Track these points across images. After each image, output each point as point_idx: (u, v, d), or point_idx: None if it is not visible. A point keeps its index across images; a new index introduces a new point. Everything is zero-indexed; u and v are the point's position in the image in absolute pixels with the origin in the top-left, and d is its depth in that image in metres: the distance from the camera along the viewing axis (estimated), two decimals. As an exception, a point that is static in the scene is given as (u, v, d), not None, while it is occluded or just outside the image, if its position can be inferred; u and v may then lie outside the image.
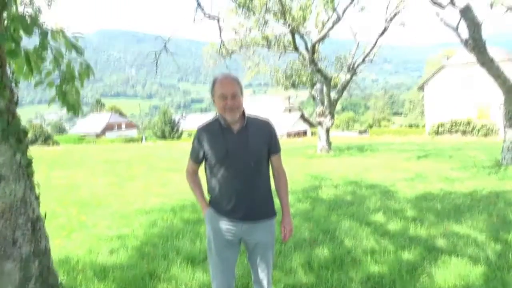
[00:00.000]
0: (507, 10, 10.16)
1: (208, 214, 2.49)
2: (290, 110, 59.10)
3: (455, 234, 4.55)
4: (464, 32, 8.97)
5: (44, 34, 2.31)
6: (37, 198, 2.54)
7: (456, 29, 9.52)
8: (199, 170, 2.62)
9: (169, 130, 59.06)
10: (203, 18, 5.45)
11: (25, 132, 2.38)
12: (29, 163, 2.45)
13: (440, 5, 8.93)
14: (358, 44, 15.84)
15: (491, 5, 9.98)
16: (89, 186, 9.10)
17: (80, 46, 2.47)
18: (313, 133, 48.22)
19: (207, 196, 2.57)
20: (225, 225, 2.41)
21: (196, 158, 2.50)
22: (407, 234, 4.62)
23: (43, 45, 2.33)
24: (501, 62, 9.64)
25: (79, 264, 4.02)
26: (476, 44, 8.72)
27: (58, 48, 2.39)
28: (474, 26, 8.50)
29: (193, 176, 2.61)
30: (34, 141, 52.05)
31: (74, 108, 2.54)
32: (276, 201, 2.53)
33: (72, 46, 2.42)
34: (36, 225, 2.47)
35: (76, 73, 2.50)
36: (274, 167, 2.56)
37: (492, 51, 9.82)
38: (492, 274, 3.48)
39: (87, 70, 2.53)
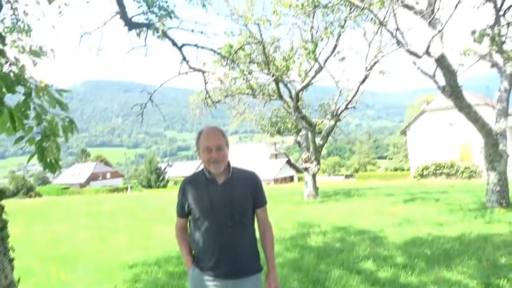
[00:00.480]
0: (479, 59, 10.67)
1: (191, 273, 2.40)
2: (276, 156, 59.51)
3: (447, 281, 4.47)
4: (441, 79, 9.33)
5: (27, 94, 2.32)
6: (10, 262, 2.41)
7: (433, 76, 9.90)
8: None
9: (155, 179, 58.47)
10: (189, 71, 5.56)
11: (2, 192, 2.30)
12: (3, 226, 2.35)
13: (416, 55, 9.33)
14: (340, 91, 16.28)
15: (464, 54, 10.49)
16: (70, 240, 8.79)
17: (65, 102, 2.47)
18: (300, 179, 48.25)
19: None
20: (209, 282, 2.32)
21: (182, 211, 2.45)
22: (398, 282, 4.52)
23: (26, 104, 2.32)
24: (478, 107, 9.99)
25: (56, 326, 3.78)
26: (453, 91, 9.04)
27: (42, 104, 2.39)
28: (450, 74, 8.84)
29: (181, 232, 2.53)
30: (15, 193, 50.75)
31: (51, 166, 2.49)
32: (262, 254, 2.46)
33: (57, 102, 2.42)
34: (8, 291, 2.33)
35: (60, 128, 2.48)
36: (259, 221, 2.50)
37: (469, 96, 10.20)
38: (486, 323, 3.38)
39: (70, 126, 2.52)
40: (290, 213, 11.16)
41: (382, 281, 4.62)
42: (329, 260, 5.69)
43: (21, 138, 2.37)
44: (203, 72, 5.54)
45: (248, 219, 2.39)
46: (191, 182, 2.40)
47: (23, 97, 2.36)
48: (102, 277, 5.51)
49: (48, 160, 2.40)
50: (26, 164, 2.84)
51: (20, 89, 2.32)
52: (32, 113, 2.44)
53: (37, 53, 2.57)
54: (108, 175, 77.73)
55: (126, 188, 50.81)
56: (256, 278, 2.40)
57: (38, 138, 2.39)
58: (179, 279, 5.06)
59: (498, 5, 9.98)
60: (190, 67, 5.33)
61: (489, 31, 8.81)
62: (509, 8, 10.09)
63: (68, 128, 2.41)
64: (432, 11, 8.64)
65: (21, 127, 2.24)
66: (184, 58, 5.27)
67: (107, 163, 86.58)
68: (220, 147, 2.32)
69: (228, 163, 2.39)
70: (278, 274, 2.56)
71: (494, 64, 10.51)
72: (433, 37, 8.62)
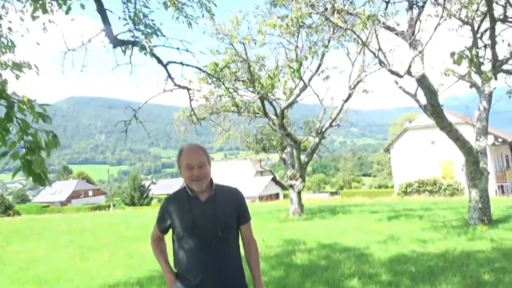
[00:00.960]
0: (459, 79, 10.96)
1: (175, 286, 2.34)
2: (261, 173, 59.46)
3: (431, 299, 4.47)
4: (423, 98, 9.54)
5: (10, 107, 2.28)
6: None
7: (414, 95, 10.12)
8: (166, 238, 2.53)
9: (139, 196, 57.65)
10: (174, 88, 5.55)
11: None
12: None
13: (398, 75, 9.53)
14: (324, 109, 16.47)
15: (445, 74, 10.76)
16: (49, 260, 8.54)
17: (48, 115, 2.44)
18: (285, 196, 48.15)
19: (173, 267, 2.45)
20: None
21: (162, 228, 2.44)
22: (384, 301, 4.50)
23: (9, 117, 2.28)
24: (458, 125, 10.20)
25: None
26: (434, 110, 9.23)
27: (24, 119, 2.36)
28: (431, 94, 9.04)
29: (157, 242, 2.53)
30: (-7, 212, 49.29)
31: (41, 178, 2.44)
32: (247, 272, 2.43)
33: (40, 115, 2.39)
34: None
35: (43, 143, 2.44)
36: (244, 238, 2.48)
37: (449, 115, 10.43)
38: None
39: (53, 140, 2.48)
40: (276, 231, 11.10)
41: (367, 299, 4.60)
42: (314, 278, 5.65)
43: (5, 153, 2.32)
44: (188, 89, 5.54)
45: (232, 237, 2.37)
46: (173, 201, 2.39)
47: (3, 114, 2.33)
48: (82, 298, 5.35)
49: (36, 173, 2.35)
50: (12, 177, 2.80)
51: (2, 104, 2.28)
52: (14, 129, 2.41)
53: (19, 66, 2.54)
54: (90, 193, 76.33)
55: (109, 206, 49.91)
56: None
57: (22, 153, 2.35)
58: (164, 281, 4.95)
59: (475, 28, 10.32)
60: (175, 85, 5.32)
61: (467, 52, 9.08)
62: (485, 31, 10.44)
63: (51, 143, 2.37)
64: (413, 33, 8.88)
65: (2, 141, 2.19)
66: (169, 76, 5.27)
67: (89, 181, 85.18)
68: (202, 164, 2.31)
69: (211, 180, 2.37)
70: None
71: (473, 84, 10.81)
72: (413, 58, 8.84)
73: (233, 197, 2.44)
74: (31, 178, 2.39)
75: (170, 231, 2.45)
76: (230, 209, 2.38)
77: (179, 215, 2.31)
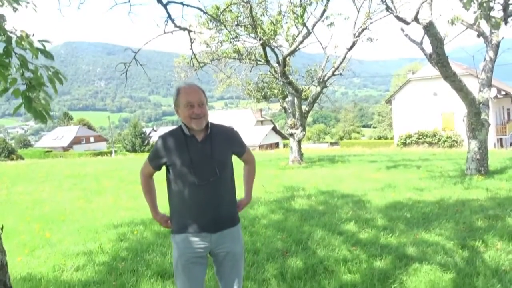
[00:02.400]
0: (466, 28, 10.64)
1: (173, 240, 2.43)
2: (262, 123, 59.55)
3: (425, 242, 4.64)
4: (428, 47, 9.32)
5: (8, 41, 2.23)
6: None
7: (420, 44, 9.87)
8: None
9: (140, 143, 58.15)
10: (174, 30, 5.40)
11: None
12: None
13: (404, 21, 9.24)
14: (327, 58, 16.15)
15: (452, 22, 10.44)
16: (54, 202, 8.77)
17: (49, 52, 2.39)
18: (285, 145, 48.58)
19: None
20: (192, 238, 2.34)
21: (156, 165, 2.44)
22: (379, 243, 4.67)
23: (7, 52, 2.24)
24: (462, 76, 10.05)
25: (42, 282, 3.83)
26: (439, 59, 9.05)
27: (23, 54, 2.31)
28: (437, 42, 8.82)
29: (148, 180, 2.54)
30: (-4, 156, 49.99)
31: (42, 116, 2.43)
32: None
33: (40, 51, 2.34)
34: (-8, 239, 2.33)
35: (46, 80, 2.41)
36: (244, 160, 2.64)
37: (454, 66, 10.24)
38: (461, 280, 3.55)
39: (57, 76, 2.44)
40: (275, 177, 11.30)
41: (363, 241, 4.77)
42: (312, 222, 5.82)
43: (6, 89, 2.30)
44: (189, 31, 5.39)
45: (227, 174, 2.43)
46: (169, 139, 2.37)
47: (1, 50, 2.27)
48: (87, 236, 5.55)
49: (38, 110, 2.34)
50: (13, 113, 2.79)
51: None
52: (14, 70, 2.36)
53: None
54: (92, 139, 76.86)
55: (111, 152, 50.50)
56: (237, 230, 2.48)
57: (23, 90, 2.33)
58: (165, 238, 5.13)
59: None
60: (175, 26, 5.17)
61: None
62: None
63: (53, 79, 2.34)
64: (423, -24, 8.49)
65: (2, 77, 2.17)
66: (169, 16, 5.11)
67: (90, 127, 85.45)
68: (202, 103, 2.32)
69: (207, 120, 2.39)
70: (251, 197, 2.74)
71: (481, 34, 10.51)
72: (422, 4, 8.53)
73: (228, 135, 2.47)
74: (32, 116, 2.38)
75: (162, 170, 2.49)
76: (226, 147, 2.42)
77: (177, 154, 2.32)
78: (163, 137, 2.40)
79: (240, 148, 2.54)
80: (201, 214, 2.32)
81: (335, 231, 5.23)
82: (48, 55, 2.29)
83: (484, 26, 10.39)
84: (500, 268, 3.78)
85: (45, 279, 3.89)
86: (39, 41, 2.35)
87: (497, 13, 9.62)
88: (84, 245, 5.04)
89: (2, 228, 2.40)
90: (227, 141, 2.44)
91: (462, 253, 4.26)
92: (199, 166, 2.30)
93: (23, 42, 2.28)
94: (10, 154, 53.11)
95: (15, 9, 2.47)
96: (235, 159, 2.51)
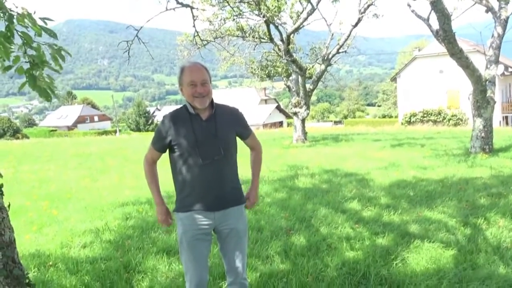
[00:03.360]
0: (475, 3, 10.42)
1: (177, 217, 2.45)
2: (266, 102, 59.28)
3: (427, 220, 4.67)
4: (435, 23, 9.15)
5: (10, 19, 2.21)
6: (0, 188, 2.44)
7: (427, 20, 9.69)
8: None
9: (144, 122, 58.27)
10: (176, 6, 5.32)
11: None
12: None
13: (412, -4, 9.07)
14: (332, 35, 15.92)
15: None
16: (61, 180, 8.87)
17: (52, 30, 2.37)
18: (289, 124, 48.48)
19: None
20: (196, 216, 2.37)
21: (161, 146, 2.42)
22: (381, 221, 4.71)
23: (9, 29, 2.22)
24: (469, 53, 9.91)
25: (50, 258, 3.91)
26: (446, 35, 8.89)
27: (26, 31, 2.29)
28: (444, 18, 8.65)
29: (152, 167, 2.53)
30: (1, 135, 50.34)
31: (46, 93, 2.43)
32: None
33: (42, 29, 2.32)
34: (-2, 215, 2.37)
35: (48, 57, 2.41)
36: (250, 146, 2.62)
37: (461, 43, 10.06)
38: (462, 257, 3.59)
39: (59, 52, 2.42)
40: (279, 156, 11.33)
41: (366, 219, 4.81)
42: (315, 200, 5.87)
43: (10, 67, 2.30)
44: (192, 8, 5.31)
45: (231, 153, 2.44)
46: (174, 118, 2.37)
47: (2, 28, 2.26)
48: (94, 214, 5.63)
49: (42, 88, 2.34)
50: (18, 90, 2.80)
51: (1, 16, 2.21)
52: (16, 46, 2.35)
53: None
54: (96, 118, 76.97)
55: (115, 131, 50.65)
56: (241, 209, 2.52)
57: (27, 67, 2.32)
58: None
59: None
60: (177, 2, 5.09)
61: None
62: None
63: (56, 55, 2.33)
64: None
65: (5, 55, 2.16)
66: (172, -7, 5.03)
67: (94, 106, 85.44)
68: (205, 81, 2.32)
69: (212, 99, 2.38)
70: (258, 192, 2.71)
71: (489, 9, 10.29)
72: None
73: (232, 116, 2.48)
74: (37, 94, 2.38)
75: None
76: (230, 127, 2.43)
77: (181, 133, 2.33)
78: (167, 117, 2.40)
79: (244, 130, 2.52)
80: (205, 192, 2.35)
81: (338, 209, 5.28)
82: (51, 33, 2.28)
83: (493, 1, 10.17)
84: (501, 245, 3.81)
85: (53, 255, 3.97)
86: (40, 18, 2.33)
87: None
88: (90, 223, 5.12)
89: (9, 206, 2.44)
90: (232, 121, 2.45)
91: (464, 230, 4.29)
92: (203, 144, 2.31)
93: (25, 20, 2.26)
94: (15, 133, 53.45)
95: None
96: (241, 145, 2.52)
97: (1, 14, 2.17)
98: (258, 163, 2.67)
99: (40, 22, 2.28)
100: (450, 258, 3.58)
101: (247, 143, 2.61)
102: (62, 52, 2.38)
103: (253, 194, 2.65)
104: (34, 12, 2.23)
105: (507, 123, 31.23)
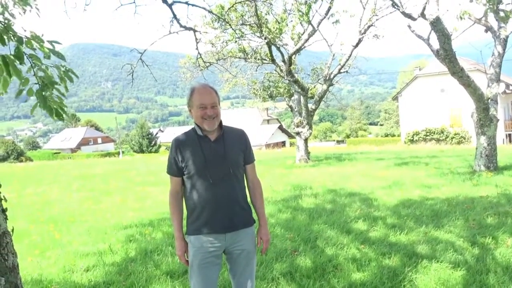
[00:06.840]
0: (474, 23, 10.54)
1: (188, 236, 2.42)
2: (268, 122, 59.50)
3: (434, 240, 4.60)
4: (435, 43, 9.24)
5: (19, 41, 2.25)
6: (4, 212, 2.43)
7: (427, 40, 9.80)
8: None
9: (147, 144, 58.43)
10: (179, 30, 5.41)
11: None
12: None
13: (411, 17, 9.18)
14: (333, 55, 16.09)
15: (460, 17, 10.34)
16: (63, 203, 8.84)
17: (60, 52, 2.42)
18: (291, 144, 48.51)
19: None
20: (207, 238, 2.35)
21: (176, 171, 2.40)
22: (388, 241, 4.64)
23: (19, 52, 2.26)
24: (470, 72, 9.95)
25: (53, 282, 3.86)
26: (446, 55, 8.98)
27: (35, 54, 2.34)
28: (444, 37, 8.75)
29: (175, 198, 2.45)
30: (5, 158, 50.50)
31: (58, 113, 2.46)
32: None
33: (50, 51, 2.36)
34: (2, 240, 2.35)
35: (57, 79, 2.44)
36: (249, 178, 2.55)
37: (461, 61, 10.14)
38: (471, 278, 3.52)
39: (67, 74, 2.46)
40: (282, 176, 11.29)
41: (372, 240, 4.74)
42: (320, 220, 5.81)
43: (21, 91, 2.33)
44: (195, 31, 5.39)
45: (240, 174, 2.45)
46: (183, 141, 2.40)
47: (13, 50, 2.30)
48: (97, 237, 5.59)
49: (53, 108, 2.37)
50: (31, 113, 2.82)
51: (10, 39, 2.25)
52: (25, 69, 2.39)
53: (25, 1, 2.47)
54: (99, 140, 77.30)
55: (118, 153, 50.77)
56: (251, 230, 2.49)
57: (37, 89, 2.35)
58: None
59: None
60: (181, 26, 5.18)
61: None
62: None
63: (64, 77, 2.36)
64: (429, -28, 8.42)
65: (16, 74, 2.18)
66: (174, 16, 5.12)
67: (97, 128, 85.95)
68: (214, 104, 2.35)
69: (220, 121, 2.40)
70: (268, 230, 2.62)
71: (489, 28, 10.40)
72: (429, -1, 8.46)
73: (240, 137, 2.49)
74: (49, 115, 2.40)
75: None
76: (238, 148, 2.44)
77: (190, 155, 2.34)
78: (176, 139, 2.43)
79: (249, 152, 2.51)
80: (215, 213, 2.33)
81: (344, 230, 5.21)
82: (59, 55, 2.32)
83: (492, 21, 10.28)
84: (511, 265, 3.74)
85: (55, 280, 3.92)
86: (48, 41, 2.38)
87: (506, 6, 9.51)
88: (93, 246, 5.08)
89: (12, 230, 2.42)
90: (239, 142, 2.46)
91: (472, 250, 4.22)
92: (213, 165, 2.32)
93: (32, 42, 2.31)
94: (19, 156, 53.65)
95: (24, 11, 2.49)
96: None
97: (11, 37, 2.21)
98: (260, 198, 2.57)
99: (48, 45, 2.32)
100: (459, 279, 3.51)
101: (247, 170, 2.52)
102: (70, 74, 2.42)
103: (264, 233, 2.54)
104: (42, 35, 2.28)
105: (510, 141, 31.14)
